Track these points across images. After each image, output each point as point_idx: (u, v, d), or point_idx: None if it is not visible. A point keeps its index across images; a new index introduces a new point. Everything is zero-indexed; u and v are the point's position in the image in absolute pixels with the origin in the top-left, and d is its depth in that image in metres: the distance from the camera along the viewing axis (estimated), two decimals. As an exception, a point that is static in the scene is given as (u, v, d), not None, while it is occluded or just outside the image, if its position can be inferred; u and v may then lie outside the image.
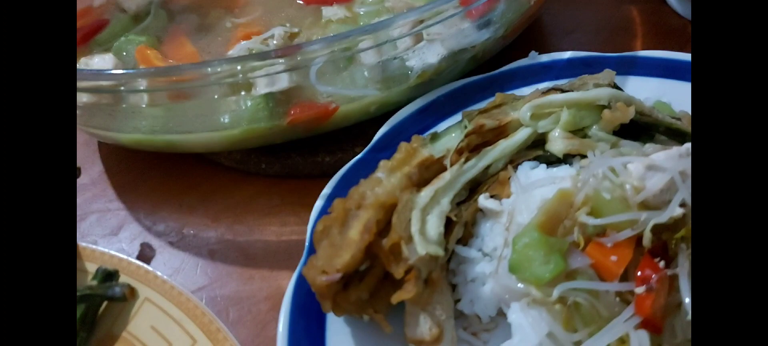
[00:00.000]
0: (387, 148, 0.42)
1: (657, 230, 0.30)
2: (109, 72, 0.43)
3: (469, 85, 0.46)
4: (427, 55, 0.44)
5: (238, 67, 0.38)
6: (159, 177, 0.49)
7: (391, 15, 0.48)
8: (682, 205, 0.30)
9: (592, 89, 0.40)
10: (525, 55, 0.49)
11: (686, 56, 0.46)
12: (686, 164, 0.32)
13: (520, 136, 0.39)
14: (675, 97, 0.44)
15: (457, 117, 0.44)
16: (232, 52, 0.47)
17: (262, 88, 0.40)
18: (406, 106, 0.44)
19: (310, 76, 0.40)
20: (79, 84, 0.39)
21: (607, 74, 0.41)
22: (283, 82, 0.40)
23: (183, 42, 0.52)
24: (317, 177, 0.45)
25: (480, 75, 0.46)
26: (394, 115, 0.44)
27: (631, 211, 0.31)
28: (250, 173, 0.48)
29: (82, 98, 0.41)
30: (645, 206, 0.31)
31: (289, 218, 0.45)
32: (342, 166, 0.42)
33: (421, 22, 0.41)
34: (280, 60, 0.38)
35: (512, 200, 0.35)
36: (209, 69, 0.38)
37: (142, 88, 0.40)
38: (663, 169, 0.31)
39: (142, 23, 0.54)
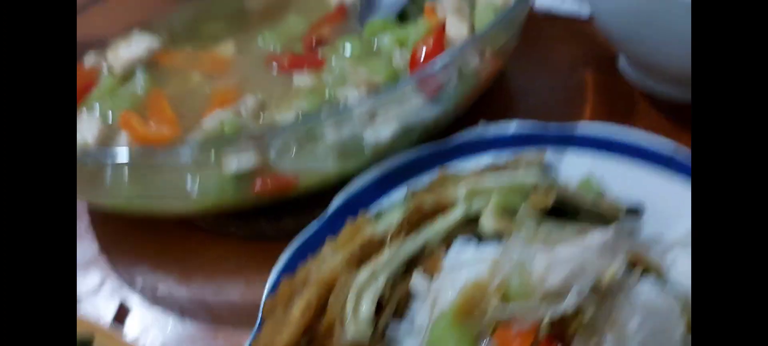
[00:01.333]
0: (339, 219, 0.46)
1: (557, 318, 0.35)
2: (90, 152, 0.48)
3: (418, 157, 0.50)
4: (381, 132, 0.48)
5: (205, 152, 0.43)
6: (140, 235, 0.53)
7: (352, 87, 0.52)
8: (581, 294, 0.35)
9: (520, 172, 0.44)
10: (477, 119, 0.53)
11: (619, 132, 0.50)
12: (589, 256, 0.36)
13: (456, 214, 0.43)
14: (606, 172, 0.48)
15: (406, 189, 0.48)
16: (207, 120, 0.52)
17: (227, 167, 0.45)
18: (359, 178, 0.49)
19: (270, 156, 0.45)
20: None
21: (537, 156, 0.45)
22: (248, 162, 0.45)
23: (164, 106, 0.56)
24: (282, 240, 0.49)
25: (430, 145, 0.50)
26: (346, 188, 0.48)
27: (535, 300, 0.35)
28: (221, 235, 0.52)
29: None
30: (547, 295, 0.35)
31: (255, 278, 0.49)
32: (303, 228, 0.46)
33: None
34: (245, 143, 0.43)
35: (438, 281, 0.39)
36: (178, 152, 0.43)
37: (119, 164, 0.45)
38: (565, 263, 0.35)
39: (128, 84, 0.59)
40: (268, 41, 0.61)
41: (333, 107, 0.45)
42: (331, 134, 0.45)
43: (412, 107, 0.47)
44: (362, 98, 0.45)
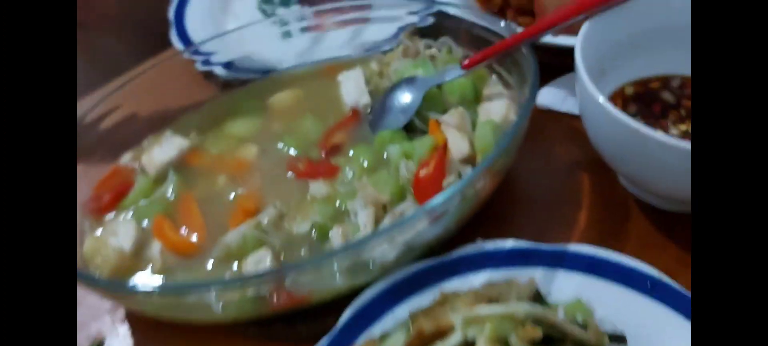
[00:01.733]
0: (348, 332, 0.51)
1: None
2: (113, 284, 0.53)
3: (421, 272, 0.54)
4: (387, 254, 0.53)
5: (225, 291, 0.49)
6: (169, 332, 0.59)
7: (361, 203, 0.57)
8: None
9: (513, 303, 0.48)
10: (479, 224, 0.58)
11: (611, 255, 0.54)
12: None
13: (453, 341, 0.47)
14: (596, 295, 0.52)
15: (409, 300, 0.53)
16: (230, 235, 0.57)
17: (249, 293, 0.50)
18: (367, 291, 0.53)
19: (285, 284, 0.50)
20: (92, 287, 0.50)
21: (528, 286, 0.50)
22: (265, 289, 0.50)
23: (193, 209, 0.62)
24: (296, 342, 0.54)
25: (431, 262, 0.55)
26: (354, 303, 0.52)
27: None
28: (242, 335, 0.58)
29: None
30: None
31: (270, 380, 0.55)
32: (316, 334, 0.51)
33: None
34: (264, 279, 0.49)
35: (435, 407, 0.44)
36: (202, 290, 0.49)
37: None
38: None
39: (161, 188, 0.65)
40: (287, 145, 0.66)
41: (342, 246, 0.50)
42: (341, 262, 0.50)
43: (415, 231, 0.52)
44: (369, 236, 0.50)
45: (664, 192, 0.58)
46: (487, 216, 0.61)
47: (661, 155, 0.51)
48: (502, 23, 0.66)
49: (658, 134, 0.50)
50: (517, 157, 0.63)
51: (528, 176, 0.67)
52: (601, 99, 0.53)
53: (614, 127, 0.53)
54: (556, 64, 0.71)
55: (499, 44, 0.61)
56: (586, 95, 0.56)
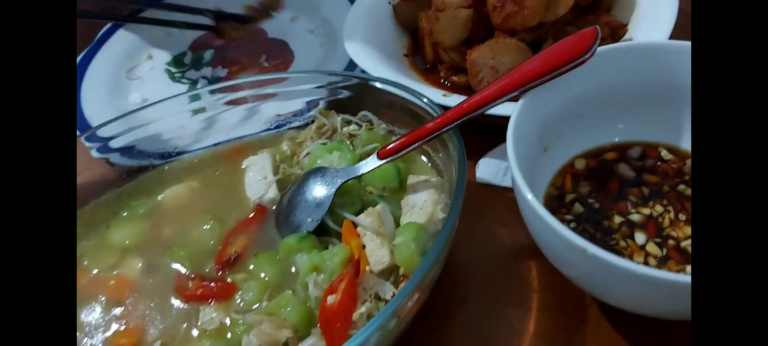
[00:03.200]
0: None
1: None
2: None
3: None
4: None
5: None
6: None
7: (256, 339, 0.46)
8: None
9: None
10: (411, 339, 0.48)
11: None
12: None
13: None
14: None
15: None
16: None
17: None
18: None
19: None
20: None
21: None
22: None
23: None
24: None
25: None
26: None
27: None
28: None
29: None
30: None
31: None
32: None
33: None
34: None
35: None
36: None
37: None
38: None
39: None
40: (176, 259, 0.55)
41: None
42: None
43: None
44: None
45: (624, 306, 0.48)
46: (420, 327, 0.51)
47: (618, 281, 0.41)
48: (422, 94, 0.56)
49: (613, 259, 0.40)
50: (454, 243, 0.53)
51: (466, 269, 0.57)
52: (541, 211, 0.43)
53: (560, 243, 0.43)
54: (497, 125, 0.62)
55: (421, 130, 0.51)
56: (526, 206, 0.45)
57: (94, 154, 0.66)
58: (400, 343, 0.48)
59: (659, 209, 0.52)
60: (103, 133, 0.66)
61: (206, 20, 0.91)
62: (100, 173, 0.67)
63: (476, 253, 0.58)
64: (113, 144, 0.67)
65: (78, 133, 0.71)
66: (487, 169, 0.62)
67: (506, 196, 0.62)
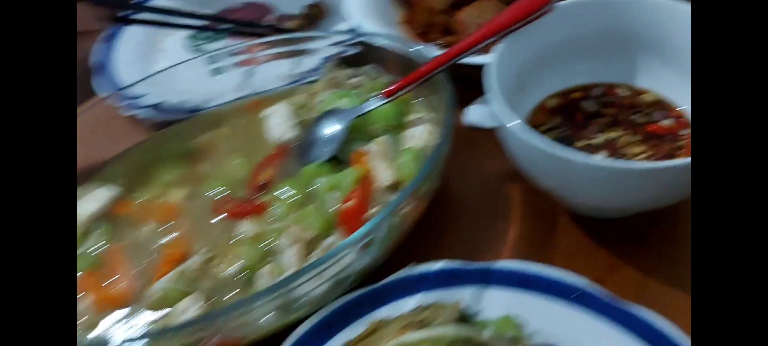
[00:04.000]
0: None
1: None
2: None
3: (352, 303, 0.54)
4: (317, 290, 0.52)
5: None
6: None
7: (289, 242, 0.57)
8: None
9: (439, 327, 0.48)
10: (410, 248, 0.58)
11: (539, 268, 0.54)
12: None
13: (383, 371, 0.47)
14: (526, 309, 0.52)
15: (343, 332, 0.53)
16: (156, 286, 0.56)
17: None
18: (299, 327, 0.53)
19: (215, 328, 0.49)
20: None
21: (453, 308, 0.50)
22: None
23: (121, 261, 0.61)
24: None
25: (362, 291, 0.54)
26: (286, 341, 0.52)
27: None
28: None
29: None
30: None
31: None
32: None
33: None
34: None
35: None
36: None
37: None
38: None
39: (88, 241, 0.63)
40: (214, 187, 0.65)
41: (264, 290, 0.49)
42: (268, 304, 0.49)
43: (342, 265, 0.52)
44: (292, 276, 0.49)
45: (589, 205, 0.59)
46: (418, 237, 0.61)
47: (576, 172, 0.52)
48: (419, 49, 0.66)
49: (569, 152, 0.51)
50: (447, 174, 0.63)
51: (460, 193, 0.68)
52: (513, 123, 0.54)
53: (528, 149, 0.54)
54: (481, 80, 0.72)
55: (416, 73, 0.62)
56: (500, 120, 0.56)
57: (126, 111, 0.76)
58: (406, 249, 0.58)
59: (616, 134, 0.63)
60: (133, 92, 0.76)
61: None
62: (132, 128, 0.77)
63: (468, 181, 0.69)
64: (142, 102, 0.77)
65: (111, 92, 0.81)
66: (476, 115, 0.73)
67: (492, 136, 0.72)
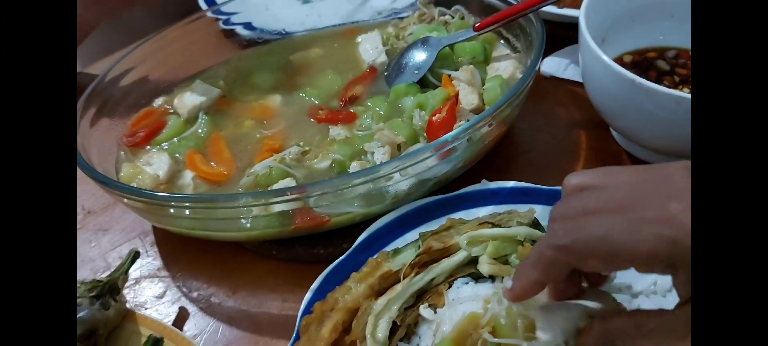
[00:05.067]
0: (362, 253, 0.56)
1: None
2: (159, 195, 0.57)
3: (430, 204, 0.59)
4: (400, 185, 0.58)
5: (256, 201, 0.54)
6: (195, 253, 0.64)
7: (378, 144, 0.62)
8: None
9: (514, 227, 0.53)
10: (484, 168, 0.63)
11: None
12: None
13: (458, 257, 0.53)
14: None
15: (418, 229, 0.58)
16: (258, 166, 0.63)
17: (274, 209, 0.55)
18: (381, 218, 0.59)
19: (309, 203, 0.55)
20: (136, 198, 0.56)
21: (528, 214, 0.55)
22: (291, 206, 0.55)
23: (222, 147, 0.68)
24: (314, 263, 0.59)
25: (440, 196, 0.60)
26: (369, 227, 0.58)
27: (519, 336, 0.44)
28: (264, 256, 0.63)
29: (136, 205, 0.57)
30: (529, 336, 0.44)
31: (289, 296, 0.59)
32: (333, 257, 0.56)
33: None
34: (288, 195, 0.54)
35: (442, 311, 0.49)
36: (237, 200, 0.54)
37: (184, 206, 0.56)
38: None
39: (192, 128, 0.70)
40: (309, 95, 0.71)
41: (362, 170, 0.55)
42: (359, 188, 0.55)
43: (427, 165, 0.57)
44: (387, 162, 0.55)
45: (656, 143, 0.63)
46: (490, 164, 0.66)
47: (654, 105, 0.57)
48: (509, -7, 0.72)
49: (653, 85, 0.56)
50: (521, 114, 0.68)
51: (530, 131, 0.73)
52: (604, 56, 0.59)
53: (613, 79, 0.59)
54: (559, 36, 0.77)
55: (508, 10, 0.67)
56: (588, 54, 0.61)
57: (221, 26, 0.83)
58: (475, 172, 0.63)
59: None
60: (227, 9, 0.83)
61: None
62: (228, 43, 0.84)
63: (538, 122, 0.74)
64: (235, 19, 0.83)
65: (207, 7, 0.87)
66: (551, 65, 0.78)
67: (566, 87, 0.77)
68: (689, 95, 0.54)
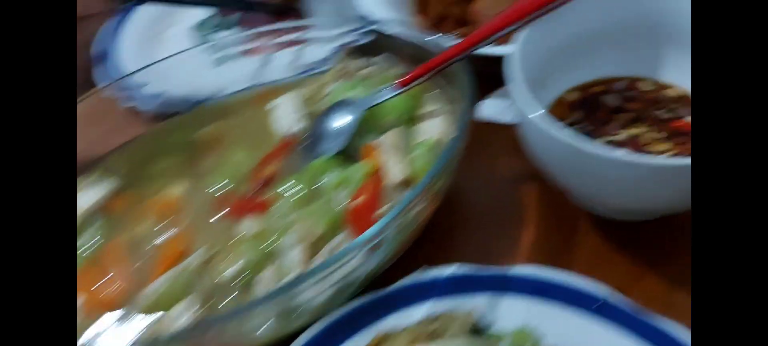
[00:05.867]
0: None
1: None
2: None
3: (357, 310, 0.51)
4: (321, 293, 0.49)
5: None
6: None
7: (294, 239, 0.53)
8: None
9: (450, 340, 0.45)
10: (420, 257, 0.55)
11: (557, 275, 0.51)
12: None
13: (391, 385, 0.44)
14: (544, 320, 0.49)
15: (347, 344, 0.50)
16: (154, 285, 0.53)
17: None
18: (301, 337, 0.50)
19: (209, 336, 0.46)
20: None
21: (466, 319, 0.47)
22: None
23: (118, 258, 0.58)
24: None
25: (368, 297, 0.51)
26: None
27: None
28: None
29: None
30: None
31: None
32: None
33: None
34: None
35: None
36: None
37: None
38: None
39: (84, 236, 0.60)
40: (216, 181, 0.62)
41: (268, 295, 0.46)
42: (268, 313, 0.46)
43: (351, 267, 0.49)
44: (293, 280, 0.46)
45: (618, 205, 0.55)
46: (429, 240, 0.57)
47: (600, 169, 0.49)
48: (436, 38, 0.63)
49: (595, 147, 0.47)
50: (460, 173, 0.59)
51: (471, 193, 0.64)
52: (535, 114, 0.50)
53: (550, 142, 0.50)
54: (499, 73, 0.69)
55: (431, 62, 0.58)
56: (521, 111, 0.53)
57: (126, 102, 0.73)
58: (411, 254, 0.54)
59: (639, 130, 0.59)
60: (134, 82, 0.73)
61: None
62: (132, 119, 0.74)
63: (481, 180, 0.65)
64: (144, 92, 0.74)
65: (111, 81, 0.78)
66: (491, 108, 0.69)
67: (508, 133, 0.68)
68: (649, 160, 0.46)
